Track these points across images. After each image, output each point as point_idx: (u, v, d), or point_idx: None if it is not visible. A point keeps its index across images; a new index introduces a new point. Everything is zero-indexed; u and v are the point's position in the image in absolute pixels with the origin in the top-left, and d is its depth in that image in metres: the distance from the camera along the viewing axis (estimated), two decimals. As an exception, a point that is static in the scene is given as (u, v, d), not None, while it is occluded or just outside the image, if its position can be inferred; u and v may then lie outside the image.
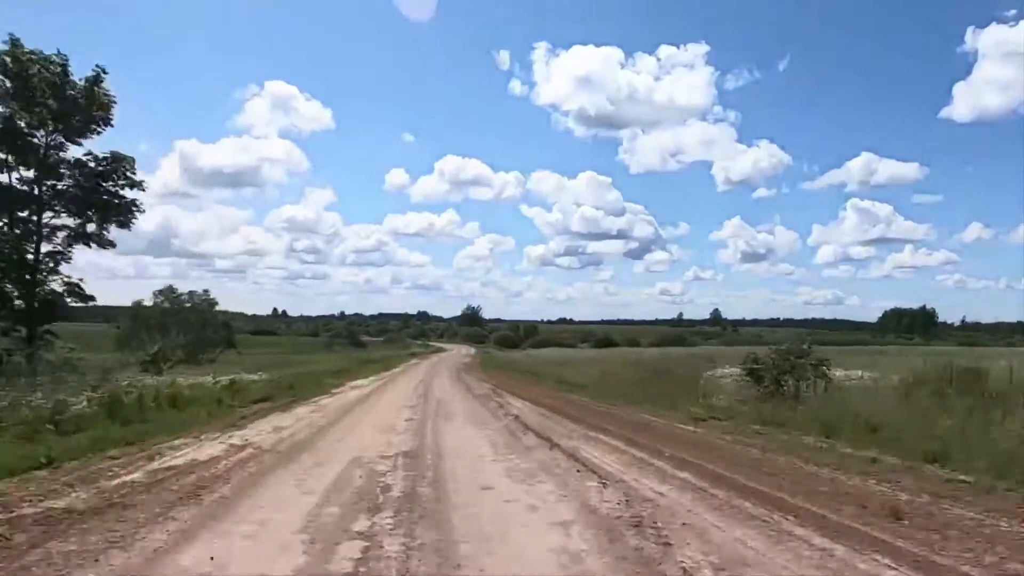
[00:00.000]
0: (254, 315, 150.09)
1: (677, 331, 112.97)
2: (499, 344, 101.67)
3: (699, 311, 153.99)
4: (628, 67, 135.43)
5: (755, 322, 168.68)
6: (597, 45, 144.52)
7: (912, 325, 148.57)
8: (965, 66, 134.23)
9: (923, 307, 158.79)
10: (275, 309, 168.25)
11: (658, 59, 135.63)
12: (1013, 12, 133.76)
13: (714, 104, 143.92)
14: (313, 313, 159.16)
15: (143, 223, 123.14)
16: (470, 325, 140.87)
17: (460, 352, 78.21)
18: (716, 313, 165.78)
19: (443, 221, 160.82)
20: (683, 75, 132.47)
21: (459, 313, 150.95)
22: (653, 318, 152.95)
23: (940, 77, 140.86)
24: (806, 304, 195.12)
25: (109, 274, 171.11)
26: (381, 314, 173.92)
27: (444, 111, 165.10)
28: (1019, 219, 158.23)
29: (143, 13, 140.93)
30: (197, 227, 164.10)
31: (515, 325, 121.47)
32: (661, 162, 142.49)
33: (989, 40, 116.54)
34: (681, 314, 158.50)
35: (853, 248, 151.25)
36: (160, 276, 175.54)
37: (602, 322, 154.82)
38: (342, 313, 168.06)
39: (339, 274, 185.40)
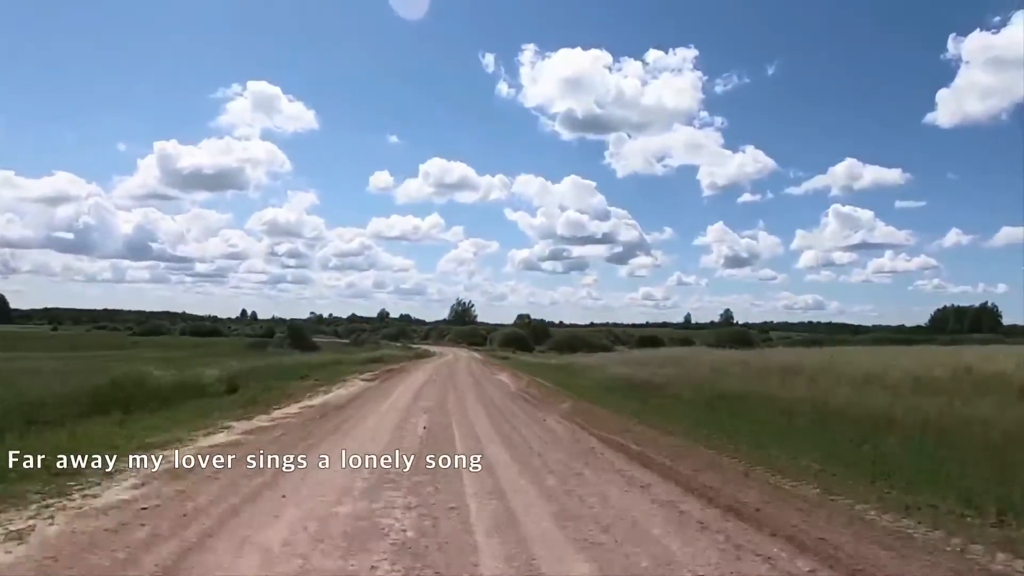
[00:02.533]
0: (227, 318, 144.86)
1: (741, 331, 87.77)
2: (506, 345, 75.17)
3: (681, 315, 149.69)
4: (616, 71, 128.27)
5: (746, 326, 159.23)
6: (585, 48, 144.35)
7: (979, 323, 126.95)
8: (948, 72, 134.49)
9: (984, 304, 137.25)
10: (243, 311, 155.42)
11: (646, 63, 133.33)
12: (996, 19, 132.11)
13: (701, 109, 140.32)
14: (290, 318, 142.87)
15: (121, 226, 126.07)
16: (461, 324, 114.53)
17: (459, 356, 50.69)
18: (727, 314, 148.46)
19: (427, 224, 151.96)
20: (671, 80, 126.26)
21: (443, 317, 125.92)
22: (644, 321, 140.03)
23: (924, 83, 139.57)
24: (787, 309, 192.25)
25: (87, 278, 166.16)
26: (353, 316, 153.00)
27: (430, 113, 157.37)
28: (998, 225, 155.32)
29: (123, 10, 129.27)
30: (177, 230, 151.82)
31: (523, 319, 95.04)
32: (647, 166, 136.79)
33: (971, 47, 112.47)
34: (689, 315, 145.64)
35: (835, 253, 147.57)
36: (139, 280, 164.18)
37: (590, 326, 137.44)
38: (319, 315, 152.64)
39: (321, 278, 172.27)
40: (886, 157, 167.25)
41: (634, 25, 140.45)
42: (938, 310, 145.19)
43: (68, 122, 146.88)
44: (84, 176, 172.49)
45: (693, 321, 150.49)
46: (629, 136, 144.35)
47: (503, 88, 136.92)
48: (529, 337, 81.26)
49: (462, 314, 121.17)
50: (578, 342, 68.49)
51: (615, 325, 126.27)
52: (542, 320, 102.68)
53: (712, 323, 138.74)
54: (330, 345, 76.02)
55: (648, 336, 74.81)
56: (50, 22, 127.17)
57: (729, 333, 75.24)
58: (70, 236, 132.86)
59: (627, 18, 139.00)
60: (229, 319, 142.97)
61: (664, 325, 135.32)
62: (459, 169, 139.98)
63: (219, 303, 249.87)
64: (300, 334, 59.78)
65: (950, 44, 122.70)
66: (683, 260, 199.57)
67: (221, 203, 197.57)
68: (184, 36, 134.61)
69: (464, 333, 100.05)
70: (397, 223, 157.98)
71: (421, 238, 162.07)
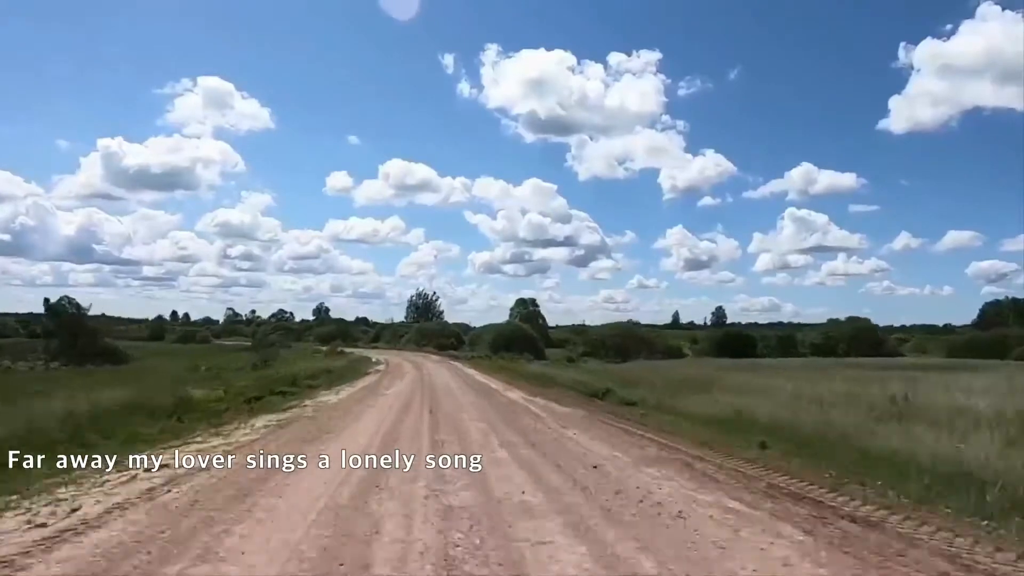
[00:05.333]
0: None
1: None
2: (501, 349, 46.40)
3: (644, 317, 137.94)
4: (578, 73, 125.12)
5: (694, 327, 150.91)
6: (548, 49, 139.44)
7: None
8: (900, 80, 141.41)
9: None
10: (174, 312, 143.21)
11: (608, 66, 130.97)
12: (947, 27, 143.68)
13: (663, 112, 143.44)
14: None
15: (62, 227, 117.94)
16: (424, 320, 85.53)
17: (436, 386, 23.03)
18: (720, 312, 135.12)
19: (387, 227, 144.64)
20: (633, 82, 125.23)
21: (403, 320, 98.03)
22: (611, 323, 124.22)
23: (877, 90, 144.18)
24: (743, 311, 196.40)
25: (25, 282, 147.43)
26: (281, 311, 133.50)
27: (390, 113, 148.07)
28: (945, 229, 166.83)
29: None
30: (123, 231, 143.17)
31: (527, 308, 66.38)
32: (609, 169, 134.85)
33: (922, 55, 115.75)
34: (677, 313, 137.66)
35: (790, 256, 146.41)
36: (82, 284, 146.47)
37: (556, 327, 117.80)
38: (236, 313, 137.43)
39: (276, 281, 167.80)
40: (841, 162, 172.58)
41: (597, 27, 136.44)
42: (987, 304, 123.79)
43: (4, 117, 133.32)
44: (22, 174, 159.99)
45: (682, 320, 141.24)
46: (591, 139, 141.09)
47: (464, 89, 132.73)
48: (536, 340, 52.84)
49: (424, 308, 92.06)
50: (636, 344, 40.47)
51: (584, 327, 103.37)
52: (538, 312, 74.41)
53: (691, 323, 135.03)
54: (218, 349, 46.74)
55: (733, 335, 47.79)
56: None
57: (851, 330, 48.69)
58: (7, 237, 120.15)
59: (590, 20, 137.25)
60: (129, 319, 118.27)
61: (634, 324, 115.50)
62: (420, 171, 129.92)
63: (167, 307, 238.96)
64: (79, 332, 29.60)
65: (901, 52, 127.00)
66: (643, 263, 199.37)
67: (170, 204, 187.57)
68: (131, 27, 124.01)
69: (430, 332, 71.10)
70: (356, 225, 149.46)
71: (380, 241, 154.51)
